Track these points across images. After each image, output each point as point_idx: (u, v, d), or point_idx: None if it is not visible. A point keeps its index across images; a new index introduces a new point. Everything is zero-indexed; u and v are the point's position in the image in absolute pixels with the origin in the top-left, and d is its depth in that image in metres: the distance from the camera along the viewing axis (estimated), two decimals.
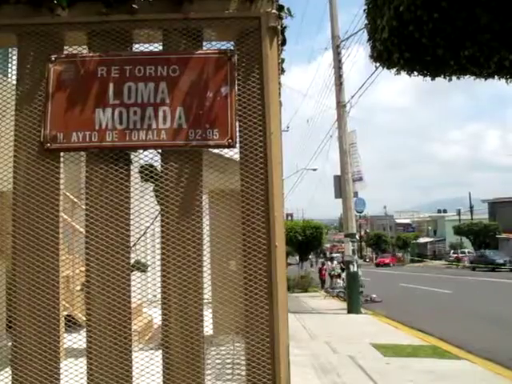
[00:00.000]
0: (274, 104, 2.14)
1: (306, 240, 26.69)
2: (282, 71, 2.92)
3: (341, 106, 15.22)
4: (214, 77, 2.16)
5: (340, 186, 14.87)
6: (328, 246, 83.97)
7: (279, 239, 2.06)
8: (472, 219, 52.44)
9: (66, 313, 3.06)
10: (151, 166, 2.20)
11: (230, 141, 2.12)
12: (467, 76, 5.50)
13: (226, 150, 2.21)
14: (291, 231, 26.65)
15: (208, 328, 2.28)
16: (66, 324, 2.65)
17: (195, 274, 2.11)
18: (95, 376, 2.04)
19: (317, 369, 6.86)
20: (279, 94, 3.23)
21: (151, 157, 2.20)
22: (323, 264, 27.23)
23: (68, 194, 4.71)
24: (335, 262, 25.85)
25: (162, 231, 2.13)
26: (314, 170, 38.11)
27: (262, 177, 2.10)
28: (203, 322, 2.09)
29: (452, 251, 56.88)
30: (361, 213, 22.24)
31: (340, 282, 21.58)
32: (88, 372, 2.07)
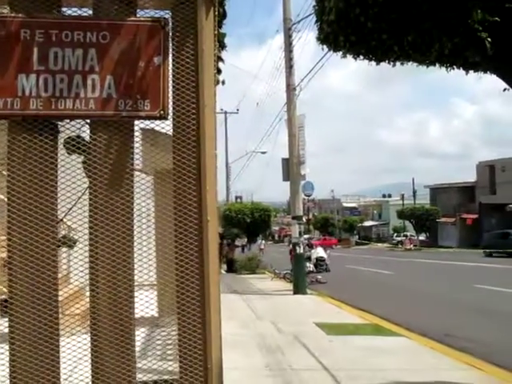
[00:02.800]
0: (209, 77, 2.08)
1: (255, 222, 26.86)
2: (224, 46, 2.88)
3: (290, 89, 15.27)
4: (146, 46, 2.08)
5: (288, 169, 15.00)
6: (277, 228, 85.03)
7: (211, 214, 2.03)
8: (414, 204, 54.44)
9: (3, 297, 2.91)
10: (78, 136, 2.09)
11: (161, 112, 2.05)
12: (410, 62, 5.62)
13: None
14: (240, 213, 26.74)
15: (150, 309, 2.22)
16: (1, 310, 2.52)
17: (125, 253, 2.04)
18: (18, 362, 1.94)
19: (261, 348, 6.96)
20: (220, 69, 3.19)
21: (79, 127, 2.09)
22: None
23: None
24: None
25: (91, 205, 2.04)
26: (264, 152, 38.27)
27: (194, 150, 2.04)
28: (134, 302, 2.03)
29: (395, 234, 59.03)
30: (309, 196, 22.59)
31: (310, 266, 21.41)
32: (10, 358, 1.96)
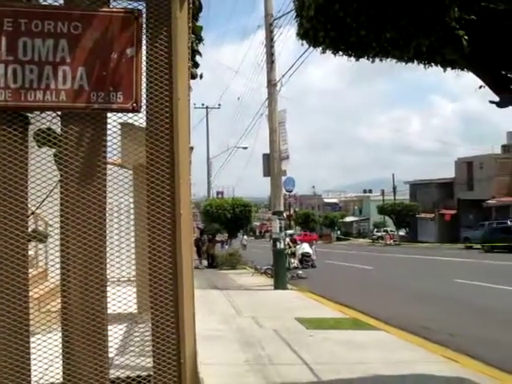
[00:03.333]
0: (183, 69, 2.05)
1: (235, 218, 26.81)
2: (201, 40, 2.85)
3: (272, 84, 15.26)
4: (119, 37, 2.04)
5: (269, 165, 15.02)
6: (258, 224, 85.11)
7: (184, 207, 2.01)
8: (395, 199, 55.03)
9: None
10: (49, 129, 2.05)
11: (134, 105, 2.02)
12: (389, 59, 5.65)
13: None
14: (220, 209, 26.67)
15: (128, 306, 2.19)
16: None
17: (97, 246, 2.01)
18: None
19: (242, 343, 6.98)
20: (197, 63, 3.16)
21: (50, 119, 2.05)
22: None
23: None
24: (287, 239, 24.63)
25: (62, 199, 1.99)
26: (245, 148, 38.27)
27: (167, 143, 2.02)
28: (106, 298, 2.00)
29: (375, 229, 59.61)
30: (290, 192, 22.60)
31: (295, 262, 21.34)
32: None
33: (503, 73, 4.94)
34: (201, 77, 3.28)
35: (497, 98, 4.72)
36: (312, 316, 9.22)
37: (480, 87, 5.00)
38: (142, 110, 2.04)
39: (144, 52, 2.06)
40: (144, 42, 2.07)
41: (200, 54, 3.04)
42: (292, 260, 21.31)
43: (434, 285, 14.39)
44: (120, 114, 2.11)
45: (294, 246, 22.78)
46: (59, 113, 2.07)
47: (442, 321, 8.84)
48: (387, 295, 12.67)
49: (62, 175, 1.99)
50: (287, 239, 23.23)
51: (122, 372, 2.29)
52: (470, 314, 9.66)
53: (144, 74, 2.06)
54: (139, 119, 2.10)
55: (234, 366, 5.73)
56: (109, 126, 2.12)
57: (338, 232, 67.66)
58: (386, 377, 5.24)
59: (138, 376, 2.04)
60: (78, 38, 2.03)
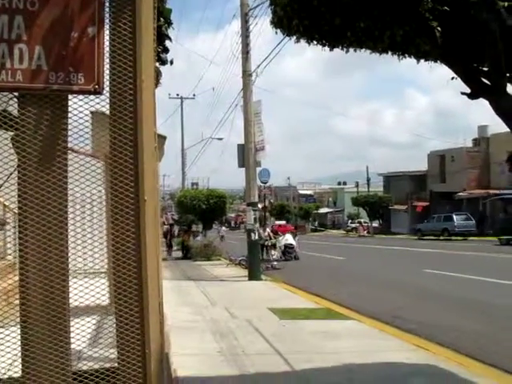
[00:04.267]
0: (147, 51, 1.97)
1: (210, 209, 26.70)
2: (170, 23, 2.76)
3: (247, 75, 15.17)
4: (79, 15, 1.94)
5: (243, 155, 14.96)
6: (233, 215, 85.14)
7: (149, 193, 1.94)
8: (368, 191, 55.69)
9: None
10: (4, 110, 1.95)
11: (96, 87, 1.93)
12: (363, 49, 5.64)
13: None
14: (195, 200, 26.53)
15: (100, 298, 2.12)
16: None
17: (57, 234, 1.92)
18: None
19: (215, 333, 6.95)
20: (167, 48, 3.07)
21: (6, 100, 1.95)
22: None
23: None
24: (268, 230, 22.91)
25: (20, 185, 1.89)
26: (220, 139, 38.14)
27: (131, 127, 1.94)
28: (68, 289, 1.92)
29: (350, 221, 60.30)
30: (265, 183, 22.53)
31: (275, 254, 20.67)
32: None
33: (475, 65, 5.00)
34: (171, 63, 3.20)
35: (468, 90, 4.77)
36: (285, 306, 9.26)
37: (452, 78, 5.05)
38: (106, 92, 1.96)
39: (107, 32, 1.98)
40: (107, 21, 1.98)
41: (170, 39, 2.95)
42: (273, 252, 20.70)
43: (404, 275, 14.63)
44: (92, 103, 2.01)
45: (275, 238, 22.14)
46: (16, 94, 1.97)
47: (413, 309, 9.00)
48: (359, 285, 12.83)
49: (19, 159, 1.90)
50: (268, 230, 22.96)
51: (89, 365, 2.23)
52: (439, 302, 9.86)
53: (107, 54, 1.98)
54: (106, 105, 2.01)
55: (208, 357, 5.70)
56: (81, 115, 2.03)
57: (316, 223, 68.20)
58: (357, 365, 5.29)
59: (102, 367, 1.98)
60: (35, 14, 1.93)
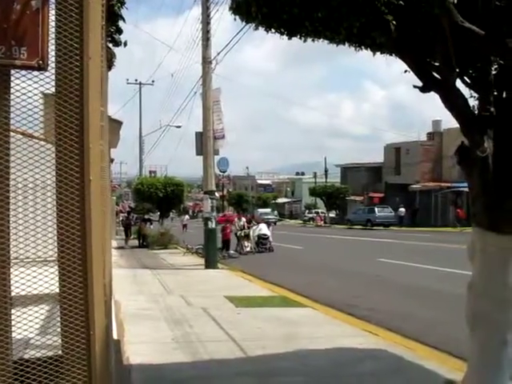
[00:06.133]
0: (95, 26, 1.90)
1: (167, 197, 26.38)
2: (123, 3, 2.68)
3: (206, 62, 15.01)
4: None
5: (202, 143, 14.85)
6: (191, 204, 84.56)
7: (94, 173, 1.87)
8: (326, 182, 56.48)
9: None
10: None
11: (40, 62, 1.85)
12: (321, 40, 5.67)
13: None
14: (152, 188, 26.14)
15: (44, 286, 2.05)
16: None
17: None
18: None
19: (169, 321, 6.92)
20: (120, 29, 2.99)
21: None
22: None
23: None
24: (243, 220, 21.99)
25: None
26: (178, 127, 37.59)
27: (76, 105, 1.87)
28: (9, 278, 1.83)
29: (307, 211, 61.04)
30: (224, 172, 22.37)
31: (248, 245, 19.85)
32: None
33: (427, 59, 5.12)
34: (125, 44, 3.11)
35: (420, 83, 4.89)
36: (241, 294, 9.31)
37: (405, 71, 5.16)
38: (51, 69, 1.88)
39: (53, 6, 1.89)
40: None
41: (123, 19, 2.87)
42: (246, 243, 19.89)
43: (359, 264, 14.97)
44: (42, 82, 1.92)
45: (249, 228, 21.00)
46: None
47: (366, 297, 9.23)
48: (315, 274, 13.03)
49: None
50: (243, 219, 21.84)
51: (37, 354, 2.17)
52: (391, 290, 10.16)
53: (53, 30, 1.89)
54: (51, 81, 1.93)
55: (162, 344, 5.67)
56: (35, 98, 1.93)
57: (275, 212, 68.62)
58: (311, 350, 5.40)
59: (45, 356, 1.92)
60: None
